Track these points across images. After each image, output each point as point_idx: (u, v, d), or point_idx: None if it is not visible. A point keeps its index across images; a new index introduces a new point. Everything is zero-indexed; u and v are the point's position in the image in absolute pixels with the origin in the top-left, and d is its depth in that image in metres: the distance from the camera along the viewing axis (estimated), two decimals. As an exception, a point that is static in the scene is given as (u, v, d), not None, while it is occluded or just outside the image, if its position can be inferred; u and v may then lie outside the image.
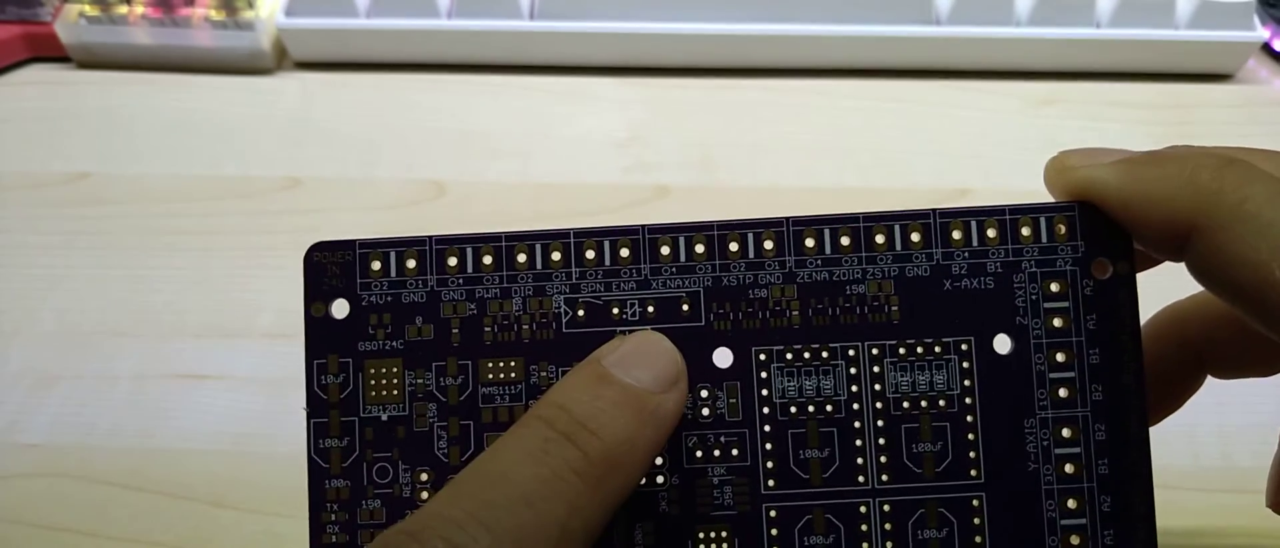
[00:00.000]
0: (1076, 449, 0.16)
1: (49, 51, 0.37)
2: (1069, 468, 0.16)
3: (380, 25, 0.36)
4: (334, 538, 0.16)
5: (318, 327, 0.17)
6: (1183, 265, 0.16)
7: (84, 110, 0.35)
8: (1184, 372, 0.19)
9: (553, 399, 0.15)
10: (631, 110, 0.35)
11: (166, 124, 0.34)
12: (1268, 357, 0.19)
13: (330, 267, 0.17)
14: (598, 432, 0.14)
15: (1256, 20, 0.36)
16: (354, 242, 0.17)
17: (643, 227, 0.17)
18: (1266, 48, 0.38)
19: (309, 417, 0.17)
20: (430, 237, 0.17)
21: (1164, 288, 0.19)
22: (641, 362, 0.15)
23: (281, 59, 0.37)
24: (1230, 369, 0.19)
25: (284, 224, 0.31)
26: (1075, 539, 0.16)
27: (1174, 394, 0.20)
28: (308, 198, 0.32)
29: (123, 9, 0.36)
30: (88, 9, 0.36)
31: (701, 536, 0.16)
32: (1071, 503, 0.16)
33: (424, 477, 0.17)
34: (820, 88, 0.36)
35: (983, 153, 0.34)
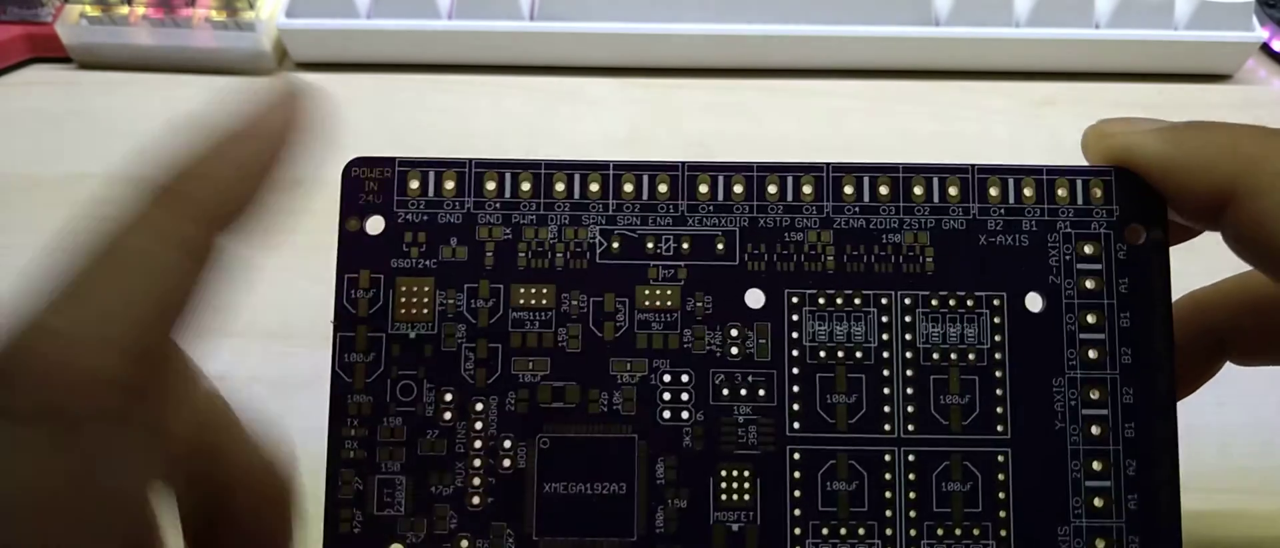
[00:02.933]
0: (1104, 411, 0.16)
1: (50, 52, 0.37)
2: (1095, 430, 0.16)
3: (381, 26, 0.36)
4: (351, 453, 0.16)
5: (351, 241, 0.17)
6: (1202, 256, 0.15)
7: (84, 110, 0.35)
8: (1204, 356, 0.19)
9: None
10: (631, 110, 0.35)
11: (167, 124, 0.34)
12: None
13: (368, 182, 0.17)
14: None
15: (1255, 21, 0.36)
16: (393, 158, 0.17)
17: (682, 163, 0.17)
18: (1265, 48, 0.38)
19: (336, 331, 0.17)
20: (470, 159, 0.17)
21: (1186, 273, 0.19)
22: None
23: (282, 60, 0.37)
24: (1252, 356, 0.19)
25: (284, 224, 0.31)
26: (1099, 501, 0.16)
27: (1192, 377, 0.20)
28: (308, 198, 0.32)
29: (123, 10, 0.36)
30: (89, 9, 0.36)
31: (723, 473, 0.16)
32: (1096, 465, 0.16)
33: (448, 397, 0.16)
34: (820, 88, 0.36)
35: (982, 153, 0.34)
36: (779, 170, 0.17)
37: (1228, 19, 0.35)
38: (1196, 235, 0.18)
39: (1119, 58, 0.36)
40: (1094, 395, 0.16)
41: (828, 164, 0.17)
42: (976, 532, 0.16)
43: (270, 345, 0.28)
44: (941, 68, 0.37)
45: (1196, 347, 0.19)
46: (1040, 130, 0.34)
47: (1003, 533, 0.16)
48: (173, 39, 0.36)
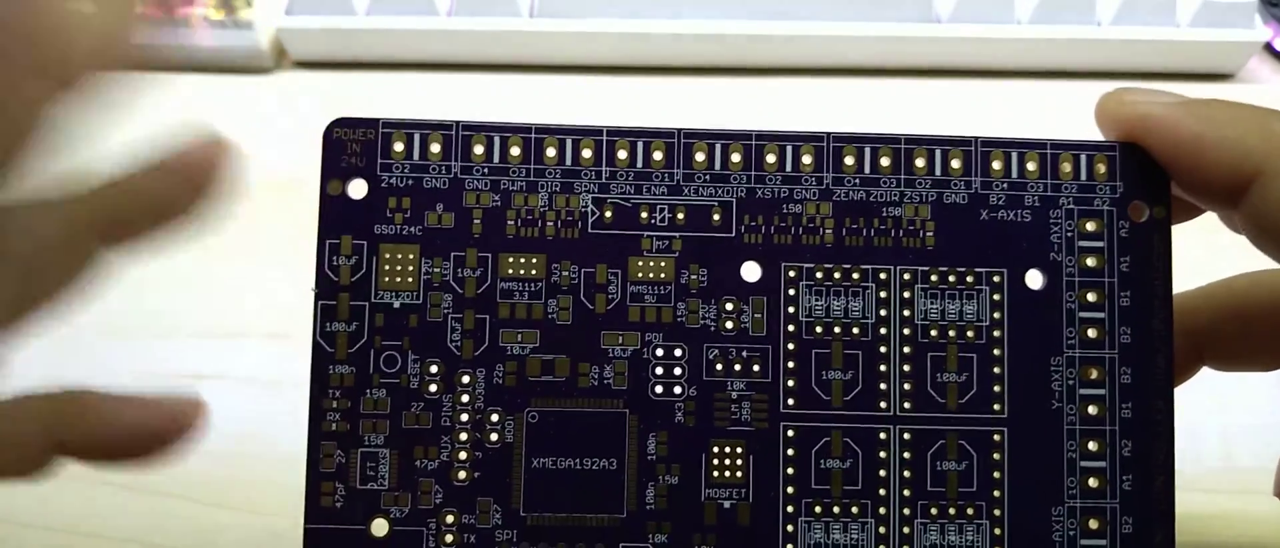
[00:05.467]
0: (1101, 391, 0.16)
1: (48, 51, 0.37)
2: (1093, 410, 0.16)
3: (380, 24, 0.35)
4: (334, 426, 0.16)
5: (333, 205, 0.16)
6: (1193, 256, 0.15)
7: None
8: (1182, 359, 0.19)
9: None
10: (631, 109, 0.35)
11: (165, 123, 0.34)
12: (1268, 353, 0.19)
13: (351, 144, 0.16)
14: None
15: (1258, 19, 0.36)
16: (377, 120, 0.16)
17: (679, 130, 0.17)
18: (1268, 47, 0.38)
19: (317, 298, 0.16)
20: (457, 121, 0.16)
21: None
22: None
23: (280, 58, 0.37)
24: (1230, 362, 0.19)
25: (283, 224, 0.31)
26: (1094, 482, 0.16)
27: None
28: (307, 198, 0.32)
29: (121, 8, 0.36)
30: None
31: (716, 449, 0.16)
32: (1093, 445, 0.16)
33: (434, 369, 0.16)
34: (821, 86, 0.36)
35: (983, 152, 0.34)
36: (778, 139, 0.16)
37: (1230, 18, 0.35)
38: (1190, 220, 0.17)
39: (1121, 56, 0.36)
40: (1093, 375, 0.16)
41: (828, 133, 0.17)
42: (971, 511, 0.16)
43: (270, 345, 0.28)
44: (942, 67, 0.36)
45: (1176, 349, 0.19)
46: (1041, 130, 0.34)
47: (997, 513, 0.16)
48: (170, 38, 0.36)
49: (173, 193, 0.15)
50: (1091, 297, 0.16)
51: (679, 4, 0.35)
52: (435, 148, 0.16)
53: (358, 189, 0.16)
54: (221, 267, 0.30)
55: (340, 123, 0.16)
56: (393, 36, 0.36)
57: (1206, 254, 0.19)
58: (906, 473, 0.16)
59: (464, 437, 0.16)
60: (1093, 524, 0.16)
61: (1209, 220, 0.18)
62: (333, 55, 0.36)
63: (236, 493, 0.25)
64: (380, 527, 0.16)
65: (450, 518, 0.16)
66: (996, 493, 0.16)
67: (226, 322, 0.29)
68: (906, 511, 0.16)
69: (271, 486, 0.25)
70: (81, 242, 0.14)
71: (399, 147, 0.16)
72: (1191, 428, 0.26)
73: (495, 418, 0.16)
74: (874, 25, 0.35)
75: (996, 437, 0.16)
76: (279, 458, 0.26)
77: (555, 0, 0.35)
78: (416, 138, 0.16)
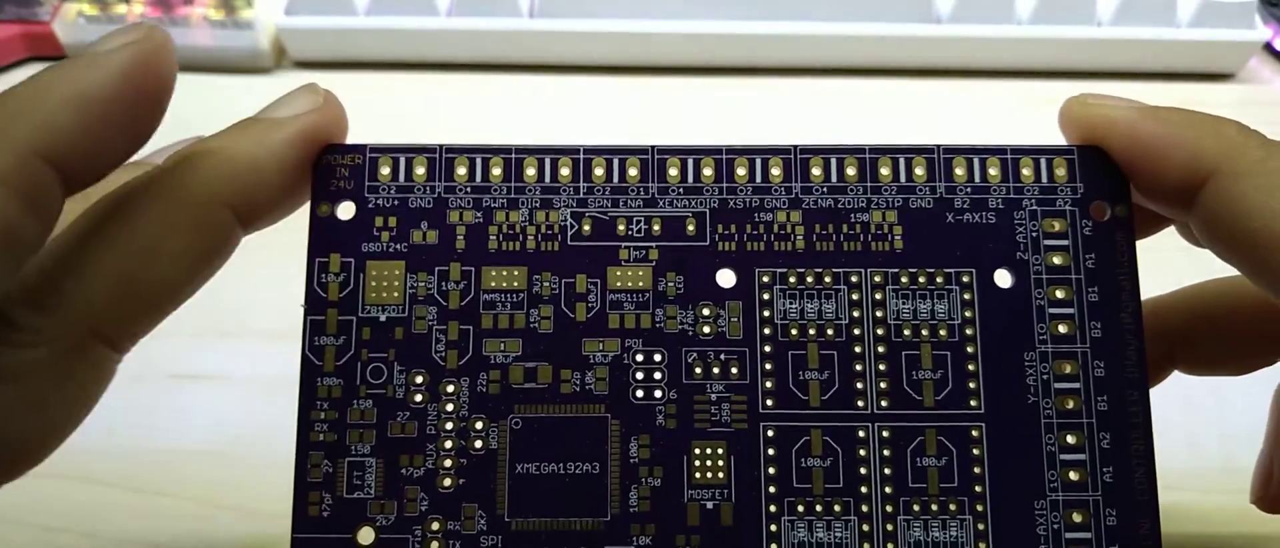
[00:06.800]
0: (1076, 385, 0.16)
1: (47, 51, 0.37)
2: (1069, 403, 0.16)
3: (379, 24, 0.36)
4: (322, 437, 0.16)
5: (322, 226, 0.17)
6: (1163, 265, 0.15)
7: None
8: (1154, 362, 0.19)
9: None
10: (630, 109, 0.35)
11: (164, 123, 0.34)
12: (1238, 357, 0.19)
13: (340, 169, 0.17)
14: None
15: (1258, 19, 0.36)
16: (365, 145, 0.17)
17: (652, 147, 0.17)
18: (1268, 47, 0.38)
19: (305, 314, 0.16)
20: (441, 145, 0.17)
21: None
22: None
23: (280, 58, 0.37)
24: (1200, 366, 0.19)
25: (283, 224, 0.31)
26: (1074, 475, 0.16)
27: None
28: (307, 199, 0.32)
29: (121, 8, 0.36)
30: (86, 8, 0.36)
31: (697, 451, 0.16)
32: (1071, 438, 0.16)
33: (419, 379, 0.16)
34: (821, 86, 0.36)
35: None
36: (747, 153, 0.17)
37: (1230, 18, 0.35)
38: (1158, 232, 0.18)
39: (1121, 57, 0.36)
40: (1066, 369, 0.16)
41: (795, 146, 0.17)
42: (953, 507, 0.16)
43: (270, 345, 0.28)
44: (942, 66, 0.36)
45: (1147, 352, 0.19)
46: (1042, 129, 0.34)
47: (980, 508, 0.16)
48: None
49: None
50: (1060, 294, 0.17)
51: (679, 4, 0.35)
52: (420, 170, 0.17)
53: (346, 210, 0.17)
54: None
55: (330, 149, 0.17)
56: (393, 36, 0.36)
57: (1185, 261, 0.19)
58: (887, 470, 0.16)
59: (449, 445, 0.16)
60: (1076, 517, 0.16)
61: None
62: (333, 55, 0.36)
63: (236, 493, 0.25)
64: (366, 535, 0.16)
65: (436, 526, 0.16)
66: (978, 488, 0.16)
67: (226, 322, 0.29)
68: (889, 508, 0.16)
69: (271, 486, 0.25)
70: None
71: (386, 170, 0.17)
72: (1191, 428, 0.26)
73: (480, 426, 0.16)
74: (874, 25, 0.35)
75: (975, 432, 0.16)
76: (278, 458, 0.26)
77: (555, 0, 0.35)
78: (402, 161, 0.17)
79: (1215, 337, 0.19)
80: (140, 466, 0.26)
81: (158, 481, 0.25)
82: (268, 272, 0.30)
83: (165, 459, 0.26)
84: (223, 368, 0.28)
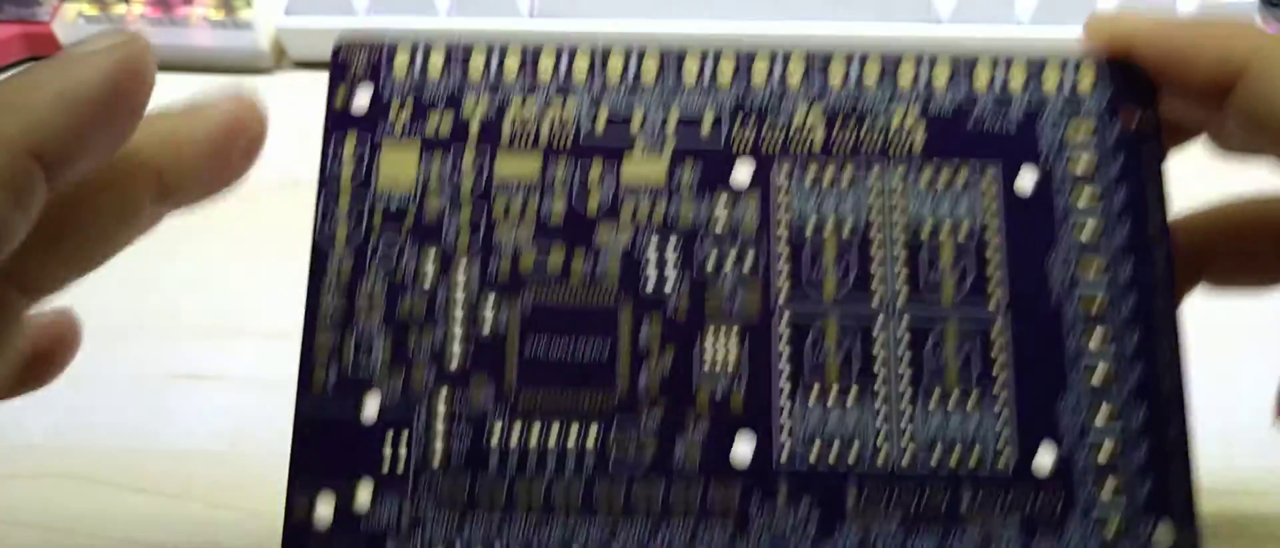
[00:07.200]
0: (1101, 288, 0.16)
1: (47, 51, 0.37)
2: (1094, 304, 0.16)
3: (379, 24, 0.35)
4: (328, 315, 0.16)
5: (337, 113, 0.17)
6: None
7: (82, 110, 0.35)
8: (1181, 275, 0.19)
9: None
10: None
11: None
12: (1265, 270, 0.19)
13: (356, 58, 0.17)
14: None
15: (1258, 20, 0.36)
16: (383, 33, 0.17)
17: (671, 40, 0.17)
18: (1267, 46, 0.38)
19: (318, 196, 0.17)
20: (458, 32, 0.18)
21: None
22: None
23: (280, 58, 0.37)
24: (1227, 279, 0.20)
25: (283, 224, 0.31)
26: (1098, 378, 0.16)
27: None
28: (307, 198, 0.32)
29: (120, 9, 0.36)
30: (86, 8, 0.36)
31: (709, 340, 0.16)
32: (1094, 341, 0.16)
33: (429, 263, 0.16)
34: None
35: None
36: (768, 50, 0.17)
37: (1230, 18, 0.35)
38: (1189, 140, 0.18)
39: (1121, 56, 0.36)
40: (1090, 272, 0.16)
41: (816, 50, 0.17)
42: (975, 396, 0.16)
43: (270, 346, 0.28)
44: (942, 66, 0.36)
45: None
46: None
47: (1002, 398, 0.16)
48: (170, 37, 0.36)
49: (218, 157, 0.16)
50: (1085, 197, 0.16)
51: (678, 4, 0.35)
52: (436, 61, 0.17)
53: (361, 98, 0.17)
54: (221, 267, 0.30)
55: (347, 40, 0.17)
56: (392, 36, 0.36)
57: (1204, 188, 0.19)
58: (904, 362, 0.16)
59: (458, 327, 0.16)
60: (1100, 416, 0.16)
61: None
62: (332, 55, 0.36)
63: (236, 493, 0.25)
64: (371, 409, 0.16)
65: (442, 403, 0.16)
66: (1000, 381, 0.16)
67: (226, 322, 0.29)
68: (907, 396, 0.16)
69: (271, 486, 0.25)
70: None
71: (402, 59, 0.17)
72: (1192, 428, 0.26)
73: (489, 308, 0.16)
74: (874, 25, 0.35)
75: (995, 330, 0.16)
76: (279, 458, 0.26)
77: (555, 0, 0.35)
78: (418, 51, 0.17)
79: (1242, 250, 0.19)
80: (143, 465, 0.26)
81: (160, 480, 0.25)
82: (268, 272, 0.30)
83: (168, 459, 0.26)
84: (223, 368, 0.28)
